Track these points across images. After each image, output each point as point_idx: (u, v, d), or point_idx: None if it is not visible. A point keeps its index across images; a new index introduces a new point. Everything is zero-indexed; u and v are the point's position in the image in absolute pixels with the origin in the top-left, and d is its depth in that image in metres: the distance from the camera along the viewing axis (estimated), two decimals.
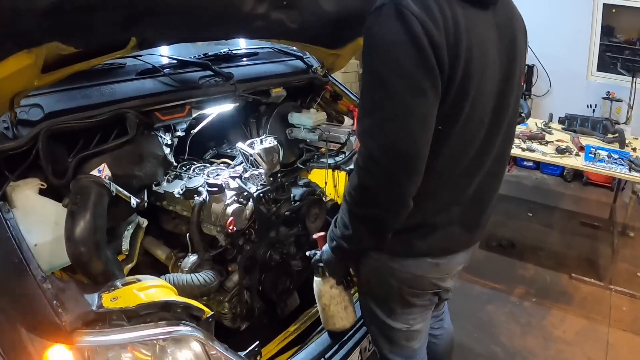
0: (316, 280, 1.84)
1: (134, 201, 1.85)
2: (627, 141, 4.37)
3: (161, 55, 2.37)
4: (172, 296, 1.50)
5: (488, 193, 1.62)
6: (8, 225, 1.46)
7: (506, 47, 1.42)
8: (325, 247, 1.65)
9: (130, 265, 2.01)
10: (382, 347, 1.86)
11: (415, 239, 1.51)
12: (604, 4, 5.87)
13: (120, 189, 1.80)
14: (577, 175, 6.38)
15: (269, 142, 2.30)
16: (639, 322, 3.64)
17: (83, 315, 1.30)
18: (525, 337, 3.42)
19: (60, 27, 1.41)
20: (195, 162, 2.47)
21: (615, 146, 4.24)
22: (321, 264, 1.72)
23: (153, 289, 1.50)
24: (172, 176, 2.31)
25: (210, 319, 1.48)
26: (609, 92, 5.94)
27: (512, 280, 4.11)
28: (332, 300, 1.84)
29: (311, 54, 2.89)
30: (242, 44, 3.01)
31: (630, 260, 4.42)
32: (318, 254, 1.74)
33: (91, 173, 1.78)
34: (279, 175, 2.29)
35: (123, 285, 1.48)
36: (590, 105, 5.97)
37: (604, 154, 3.95)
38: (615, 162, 3.86)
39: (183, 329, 1.37)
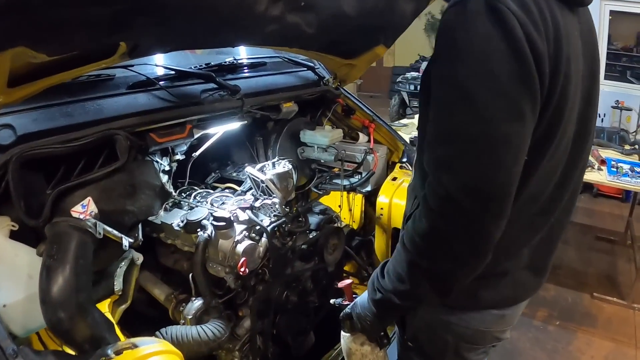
0: (344, 335, 1.59)
1: (126, 242, 1.56)
2: None
3: (156, 65, 2.06)
4: None
5: (559, 231, 1.35)
6: None
7: (589, 60, 1.17)
8: (361, 299, 1.41)
9: (124, 306, 1.75)
10: None
11: (482, 289, 1.26)
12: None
13: (109, 229, 1.51)
14: (587, 186, 6.18)
15: (283, 166, 2.05)
16: None
17: None
18: None
19: (24, 27, 1.09)
20: (196, 188, 2.19)
21: (635, 158, 4.22)
22: (352, 319, 1.46)
23: (153, 357, 1.20)
24: (170, 204, 2.02)
25: None
26: (617, 100, 5.90)
27: (533, 302, 3.92)
28: (364, 359, 1.58)
29: (323, 64, 2.62)
30: (242, 54, 2.72)
31: None
32: (348, 306, 1.50)
33: (74, 210, 1.49)
34: (294, 203, 2.01)
35: (116, 353, 1.19)
36: (599, 114, 5.82)
37: (626, 167, 3.92)
38: None
39: None
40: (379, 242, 2.59)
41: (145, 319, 2.00)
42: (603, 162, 3.98)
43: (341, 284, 1.65)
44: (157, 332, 1.66)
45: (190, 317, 1.77)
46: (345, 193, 2.66)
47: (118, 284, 1.68)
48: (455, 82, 0.96)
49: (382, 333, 1.55)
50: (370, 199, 2.76)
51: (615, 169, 3.88)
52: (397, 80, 9.73)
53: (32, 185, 1.52)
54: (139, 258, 1.77)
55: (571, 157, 1.19)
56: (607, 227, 5.35)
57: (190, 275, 1.84)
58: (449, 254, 1.05)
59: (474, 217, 0.97)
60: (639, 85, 6.01)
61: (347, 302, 1.56)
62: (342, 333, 1.59)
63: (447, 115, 0.99)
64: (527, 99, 0.94)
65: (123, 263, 1.71)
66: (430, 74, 1.05)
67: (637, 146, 4.35)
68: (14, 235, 1.44)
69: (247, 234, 1.83)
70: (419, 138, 1.29)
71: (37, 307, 1.34)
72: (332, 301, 1.65)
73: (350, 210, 2.76)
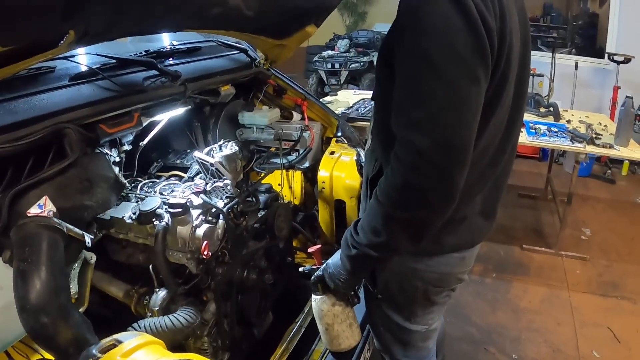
0: (316, 298, 1.65)
1: (88, 239, 1.48)
2: None
3: (97, 55, 1.96)
4: (165, 355, 1.18)
5: (503, 180, 1.54)
6: None
7: (522, 29, 1.33)
8: (332, 260, 1.51)
9: (82, 309, 1.62)
10: (395, 353, 1.77)
11: (445, 235, 1.42)
12: None
13: (71, 227, 1.43)
14: None
15: (230, 147, 2.02)
16: (593, 282, 3.94)
17: None
18: (495, 313, 3.53)
19: None
20: (140, 179, 2.13)
21: (551, 120, 4.51)
22: (324, 280, 1.56)
23: (140, 351, 1.16)
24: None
25: None
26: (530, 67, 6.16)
27: None
28: (336, 319, 1.65)
29: (254, 46, 2.60)
30: (165, 40, 2.65)
31: (572, 226, 4.70)
32: (319, 269, 1.59)
33: (31, 211, 1.39)
34: (244, 184, 2.01)
35: (101, 352, 1.14)
36: None
37: (543, 128, 4.20)
38: (557, 135, 4.09)
39: None
40: (323, 214, 2.65)
41: (101, 319, 1.94)
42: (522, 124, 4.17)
43: (311, 249, 1.73)
44: (131, 327, 1.61)
45: (157, 308, 1.73)
46: (284, 171, 2.68)
47: (74, 286, 1.57)
48: (421, 54, 1.08)
49: (352, 292, 1.64)
50: (307, 175, 2.81)
51: (533, 130, 4.15)
52: (314, 59, 9.73)
53: None
54: (92, 257, 1.66)
55: (511, 115, 1.36)
56: (528, 185, 5.69)
57: (151, 266, 1.80)
58: (422, 203, 1.17)
59: (443, 168, 1.11)
60: (548, 52, 6.36)
61: (316, 267, 1.63)
62: (313, 296, 1.65)
63: (415, 83, 1.11)
64: (481, 66, 1.09)
65: (76, 264, 1.60)
66: (389, 48, 1.20)
67: (551, 108, 4.61)
68: None
69: (204, 217, 1.80)
70: (376, 107, 1.45)
71: (12, 319, 1.25)
72: (301, 269, 1.71)
73: (290, 187, 2.80)
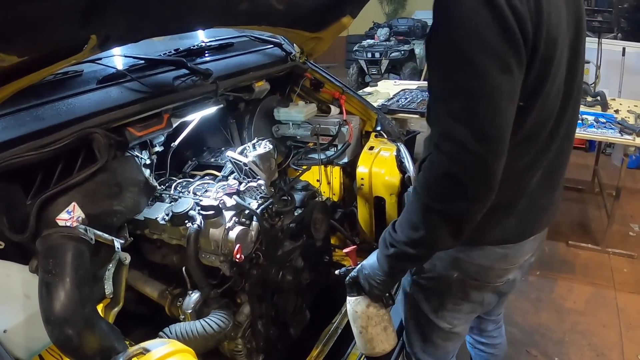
0: (350, 300, 1.62)
1: (117, 244, 1.47)
2: None
3: (124, 56, 1.96)
4: None
5: (558, 169, 1.51)
6: None
7: (572, 10, 1.30)
8: (368, 261, 1.51)
9: (117, 309, 1.63)
10: (414, 346, 1.79)
11: (488, 226, 1.38)
12: None
13: (99, 233, 1.42)
14: None
15: (264, 146, 1.98)
16: None
17: None
18: (538, 314, 3.41)
19: None
20: (174, 178, 2.12)
21: (598, 109, 4.29)
22: (359, 281, 1.55)
23: (170, 359, 1.15)
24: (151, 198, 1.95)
25: None
26: None
27: None
28: (370, 322, 1.61)
29: (289, 40, 2.55)
30: (202, 37, 2.63)
31: (620, 221, 4.48)
32: (354, 270, 1.58)
33: (59, 218, 1.39)
34: (278, 183, 1.98)
35: None
36: None
37: (591, 118, 4.02)
38: (605, 127, 3.90)
39: None
40: (362, 211, 2.59)
41: (136, 318, 1.94)
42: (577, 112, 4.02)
43: (347, 250, 1.72)
44: (161, 332, 1.61)
45: (190, 311, 1.73)
46: (322, 167, 2.64)
47: (109, 287, 1.58)
48: (453, 46, 1.11)
49: (387, 294, 1.61)
50: (347, 171, 2.75)
51: (581, 121, 3.94)
52: (354, 49, 9.65)
53: (12, 198, 1.43)
54: (127, 258, 1.66)
55: (563, 102, 1.33)
56: (574, 177, 5.45)
57: (184, 268, 1.79)
58: (461, 193, 1.16)
59: (481, 157, 1.11)
60: (594, 38, 6.08)
61: (351, 267, 1.61)
62: (348, 298, 1.62)
63: (448, 74, 1.14)
64: (513, 54, 1.09)
65: (111, 265, 1.61)
66: (431, 41, 1.19)
67: (598, 97, 4.41)
68: None
69: (237, 219, 1.78)
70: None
71: (39, 328, 1.25)
72: (337, 272, 1.68)
73: (329, 183, 2.74)
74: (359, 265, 1.55)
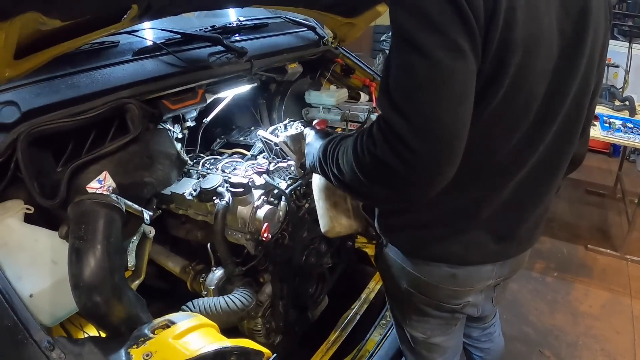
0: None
1: (146, 215, 1.47)
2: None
3: (161, 30, 1.93)
4: (218, 339, 1.15)
5: (530, 199, 1.32)
6: None
7: (573, 18, 1.10)
8: (310, 145, 1.44)
9: (138, 282, 1.65)
10: (405, 353, 1.75)
11: (430, 240, 1.30)
12: None
13: (130, 203, 1.41)
14: None
15: (295, 127, 1.96)
16: None
17: None
18: (553, 315, 3.40)
19: None
20: (202, 155, 2.12)
21: (625, 114, 4.20)
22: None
23: (193, 333, 1.15)
24: None
25: None
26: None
27: (530, 255, 4.01)
28: (321, 195, 1.57)
29: (323, 24, 2.53)
30: (233, 16, 2.62)
31: None
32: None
33: (89, 186, 1.40)
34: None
35: (153, 332, 1.13)
36: None
37: (618, 123, 3.95)
38: (632, 132, 3.83)
39: None
40: None
41: (155, 292, 1.95)
42: (595, 117, 3.97)
43: (315, 122, 1.69)
44: (184, 307, 1.61)
45: (212, 287, 1.73)
46: None
47: (131, 259, 1.57)
48: (398, 27, 0.96)
49: None
50: None
51: (608, 125, 3.90)
52: (381, 39, 9.56)
53: (44, 164, 1.44)
54: (151, 231, 1.67)
55: (539, 119, 1.15)
56: (597, 182, 5.40)
57: (209, 244, 1.79)
58: (391, 186, 1.04)
59: (422, 158, 0.95)
60: (625, 42, 5.97)
61: None
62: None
63: (394, 59, 0.99)
64: (464, 36, 0.92)
65: (135, 237, 1.61)
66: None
67: (627, 102, 4.32)
68: (28, 220, 1.36)
69: (265, 198, 1.77)
70: None
71: (65, 294, 1.24)
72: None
73: None
74: (307, 145, 1.49)
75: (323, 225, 1.63)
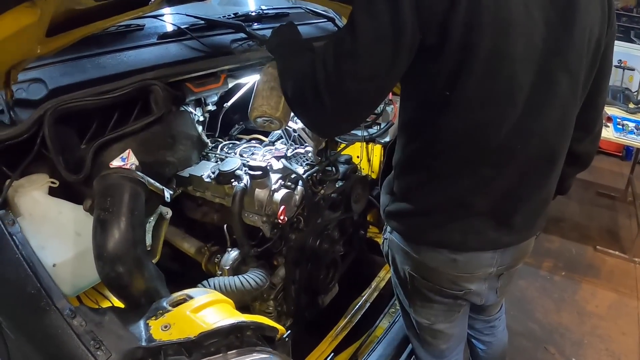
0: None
1: (167, 194, 1.49)
2: None
3: (186, 15, 1.97)
4: (234, 315, 1.19)
5: (526, 190, 1.33)
6: (16, 242, 1.12)
7: (558, 11, 1.13)
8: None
9: (153, 262, 1.66)
10: (412, 340, 1.79)
11: (430, 227, 1.35)
12: None
13: (152, 181, 1.43)
14: None
15: None
16: None
17: (130, 355, 0.98)
18: (560, 313, 3.41)
19: None
20: (220, 140, 2.15)
21: (639, 117, 4.17)
22: None
23: (209, 308, 1.17)
24: None
25: (287, 339, 1.20)
26: (620, 60, 5.77)
27: (539, 253, 4.06)
28: (262, 78, 1.57)
29: (342, 15, 2.54)
30: (253, 4, 2.64)
31: None
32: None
33: (114, 163, 1.43)
34: (326, 152, 2.00)
35: (171, 305, 1.16)
36: None
37: (632, 125, 3.93)
38: None
39: (258, 357, 1.06)
40: None
41: (168, 274, 1.98)
42: (609, 119, 3.97)
43: None
44: (200, 284, 1.65)
45: (227, 267, 1.76)
46: (364, 143, 2.64)
47: (148, 239, 1.59)
48: None
49: None
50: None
51: (621, 127, 3.89)
52: None
53: (69, 141, 1.47)
54: (168, 212, 1.69)
55: (529, 109, 1.17)
56: (608, 184, 5.38)
57: (225, 226, 1.82)
58: (303, 109, 1.27)
59: (324, 105, 1.13)
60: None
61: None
62: None
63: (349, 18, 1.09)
64: (407, 9, 1.01)
65: (152, 218, 1.63)
66: None
67: None
68: (53, 193, 1.39)
69: (282, 182, 1.80)
70: None
71: (87, 265, 1.27)
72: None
73: (369, 160, 2.75)
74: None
75: (253, 103, 1.60)
